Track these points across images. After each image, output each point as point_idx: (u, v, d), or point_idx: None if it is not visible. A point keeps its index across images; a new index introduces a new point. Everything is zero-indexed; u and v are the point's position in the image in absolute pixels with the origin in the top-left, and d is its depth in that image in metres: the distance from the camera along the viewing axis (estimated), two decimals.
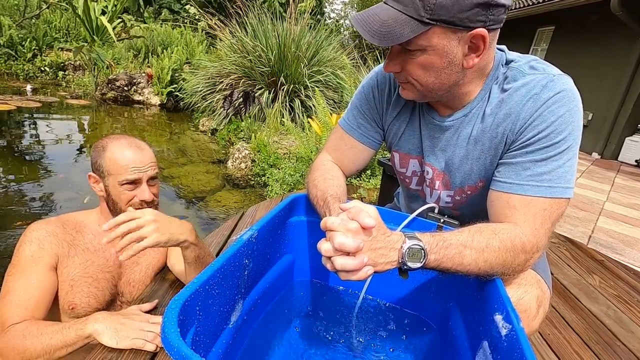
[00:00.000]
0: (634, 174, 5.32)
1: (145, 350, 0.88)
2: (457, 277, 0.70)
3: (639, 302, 1.72)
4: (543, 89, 0.72)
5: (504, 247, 0.68)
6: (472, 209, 0.93)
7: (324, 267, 0.65)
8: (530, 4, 7.31)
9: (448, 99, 0.81)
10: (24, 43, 7.37)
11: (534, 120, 0.72)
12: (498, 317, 0.62)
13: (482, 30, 0.66)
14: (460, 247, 0.66)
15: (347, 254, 0.62)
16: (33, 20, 7.87)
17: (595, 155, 6.41)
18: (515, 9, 7.77)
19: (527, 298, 0.77)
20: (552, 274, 1.84)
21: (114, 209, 1.04)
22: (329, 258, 0.63)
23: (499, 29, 0.71)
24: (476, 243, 0.67)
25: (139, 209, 1.04)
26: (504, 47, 0.82)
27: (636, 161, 5.85)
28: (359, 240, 0.62)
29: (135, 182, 1.02)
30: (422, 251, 0.64)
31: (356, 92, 1.01)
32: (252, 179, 3.77)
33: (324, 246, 0.64)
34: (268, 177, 3.50)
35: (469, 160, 0.84)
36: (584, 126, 6.46)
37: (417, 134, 0.92)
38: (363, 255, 0.62)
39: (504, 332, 0.59)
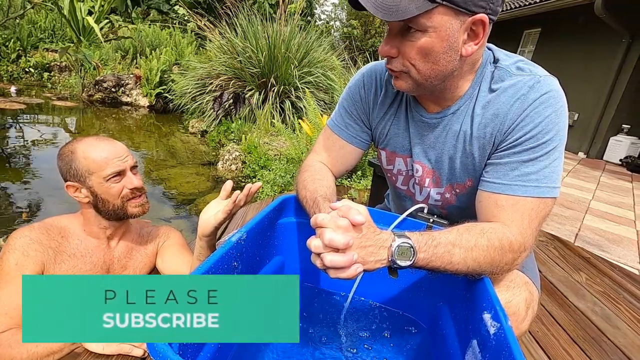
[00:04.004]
0: (618, 173, 5.43)
1: (132, 356, 0.87)
2: (446, 276, 0.70)
3: (625, 298, 1.75)
4: (530, 90, 0.73)
5: (492, 246, 0.68)
6: (460, 210, 0.93)
7: (314, 267, 0.65)
8: (517, 6, 7.43)
9: (440, 92, 0.80)
10: (7, 44, 7.20)
11: (521, 121, 0.73)
12: (486, 316, 0.62)
13: (483, 16, 0.66)
14: (449, 246, 0.67)
15: (337, 250, 0.62)
16: (17, 21, 7.69)
17: (581, 154, 6.54)
18: (502, 11, 7.88)
19: (516, 300, 0.77)
20: (540, 272, 1.87)
21: (106, 208, 1.02)
22: (319, 255, 0.63)
23: (492, 24, 0.71)
24: (465, 242, 0.67)
25: (133, 198, 1.04)
26: (491, 45, 0.82)
27: (621, 160, 5.97)
28: (349, 237, 0.61)
29: (120, 174, 1.01)
30: (412, 249, 0.64)
31: (343, 92, 1.00)
32: (243, 180, 3.75)
33: (313, 242, 0.63)
34: (259, 179, 3.48)
35: (457, 156, 0.85)
36: (570, 126, 6.60)
37: (405, 132, 0.92)
38: (353, 252, 0.62)
39: (492, 330, 0.59)
